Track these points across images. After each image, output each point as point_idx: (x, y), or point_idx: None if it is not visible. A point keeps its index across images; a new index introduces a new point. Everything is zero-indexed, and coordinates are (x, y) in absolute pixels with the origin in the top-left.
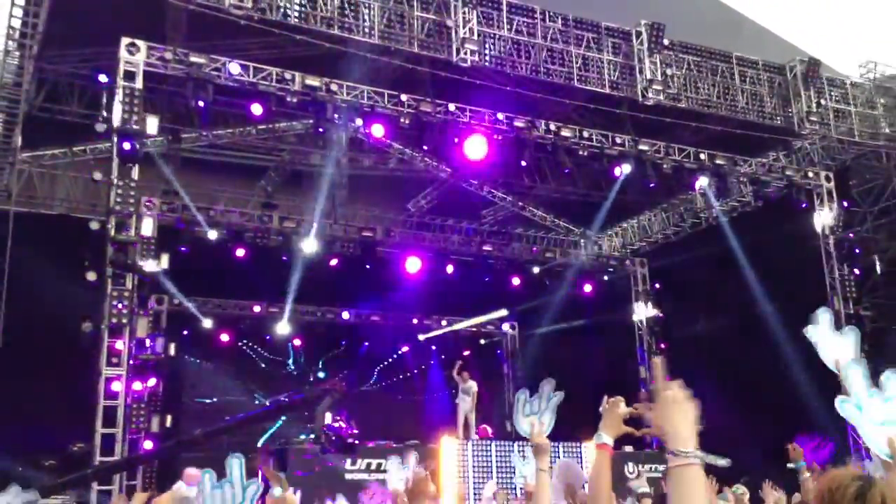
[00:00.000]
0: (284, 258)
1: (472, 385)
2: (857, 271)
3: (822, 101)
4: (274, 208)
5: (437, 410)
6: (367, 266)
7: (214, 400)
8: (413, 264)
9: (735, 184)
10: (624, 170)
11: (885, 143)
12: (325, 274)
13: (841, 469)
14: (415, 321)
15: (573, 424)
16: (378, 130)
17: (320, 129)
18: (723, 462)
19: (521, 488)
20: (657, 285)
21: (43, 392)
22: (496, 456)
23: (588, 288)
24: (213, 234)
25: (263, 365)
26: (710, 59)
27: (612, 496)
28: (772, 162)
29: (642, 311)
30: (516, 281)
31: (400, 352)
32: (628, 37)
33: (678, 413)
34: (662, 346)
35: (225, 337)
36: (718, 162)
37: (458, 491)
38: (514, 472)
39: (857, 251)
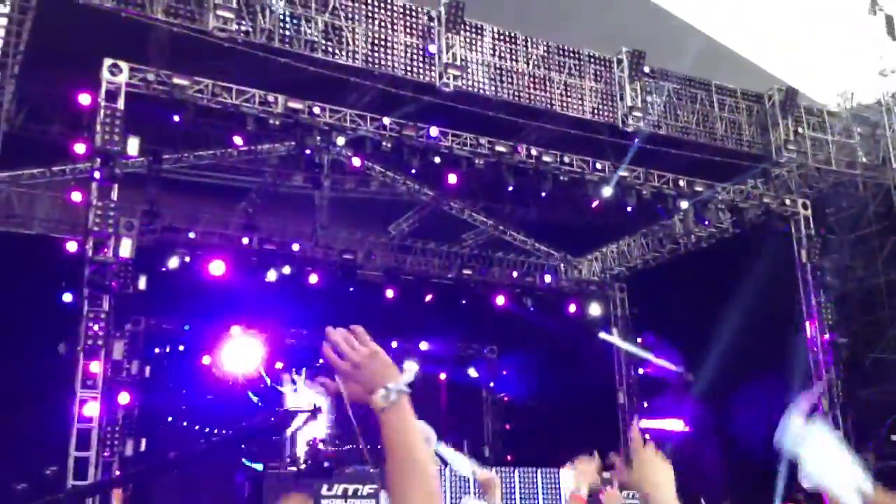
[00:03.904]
0: (265, 280)
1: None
2: (833, 298)
3: (800, 130)
4: (255, 230)
5: None
6: (350, 289)
7: (190, 423)
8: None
9: (713, 210)
10: (604, 194)
11: (861, 172)
12: (305, 296)
13: None
14: (394, 345)
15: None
16: (356, 161)
17: (307, 151)
18: None
19: None
20: (635, 310)
21: (17, 414)
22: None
23: (572, 308)
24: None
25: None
26: (690, 87)
27: None
28: (750, 189)
29: (620, 336)
30: (500, 300)
31: None
32: (609, 64)
33: (656, 474)
34: (640, 370)
35: (206, 360)
36: (697, 188)
37: None
38: None
39: (834, 278)
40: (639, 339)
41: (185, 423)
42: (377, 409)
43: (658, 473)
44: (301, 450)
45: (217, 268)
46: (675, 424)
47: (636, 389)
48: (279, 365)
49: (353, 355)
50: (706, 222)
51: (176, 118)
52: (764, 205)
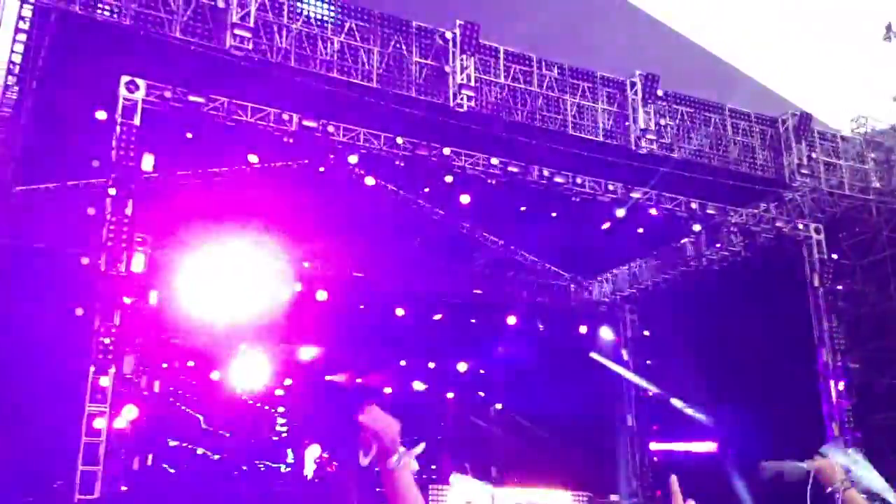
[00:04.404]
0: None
1: None
2: (845, 323)
3: (813, 154)
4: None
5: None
6: (361, 307)
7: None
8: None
9: (725, 233)
10: (616, 216)
11: (874, 197)
12: (315, 313)
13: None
14: (402, 363)
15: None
16: (370, 180)
17: (321, 169)
18: None
19: None
20: (646, 332)
21: (26, 428)
22: None
23: (583, 329)
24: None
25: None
26: (704, 111)
27: None
28: (762, 213)
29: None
30: (511, 320)
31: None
32: (623, 87)
33: None
34: (649, 393)
35: (215, 375)
36: (709, 211)
37: None
38: None
39: (846, 303)
40: (648, 362)
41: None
42: (389, 467)
43: None
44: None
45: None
46: (703, 446)
47: (645, 411)
48: (288, 381)
49: (373, 425)
50: (718, 245)
51: (191, 135)
52: (776, 228)
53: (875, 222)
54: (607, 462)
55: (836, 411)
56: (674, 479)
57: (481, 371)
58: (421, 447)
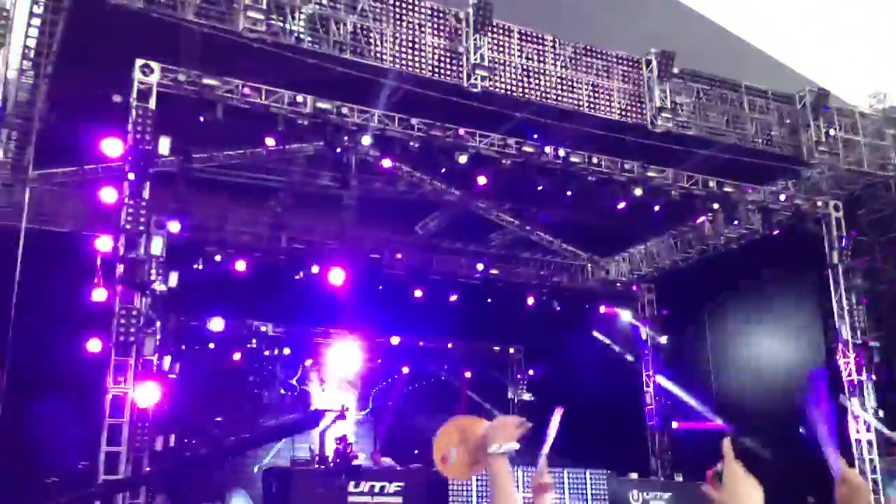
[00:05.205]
0: (297, 278)
1: None
2: (865, 301)
3: (831, 131)
4: (284, 229)
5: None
6: (380, 287)
7: (219, 419)
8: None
9: (743, 212)
10: (633, 195)
11: (894, 174)
12: (332, 295)
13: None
14: (420, 343)
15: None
16: (386, 162)
17: (338, 150)
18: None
19: None
20: (664, 312)
21: (49, 410)
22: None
23: (602, 309)
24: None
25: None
26: (719, 88)
27: None
28: (780, 190)
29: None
30: (531, 300)
31: (401, 373)
32: (638, 65)
33: (745, 496)
34: (665, 371)
35: (237, 356)
36: (727, 190)
37: None
38: None
39: (865, 281)
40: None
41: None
42: (489, 455)
43: (747, 496)
44: (330, 448)
45: (244, 265)
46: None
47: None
48: (309, 362)
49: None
50: (736, 224)
51: (206, 118)
52: (794, 206)
53: (894, 199)
54: (627, 440)
55: (856, 387)
56: (726, 442)
57: (496, 351)
58: (513, 447)
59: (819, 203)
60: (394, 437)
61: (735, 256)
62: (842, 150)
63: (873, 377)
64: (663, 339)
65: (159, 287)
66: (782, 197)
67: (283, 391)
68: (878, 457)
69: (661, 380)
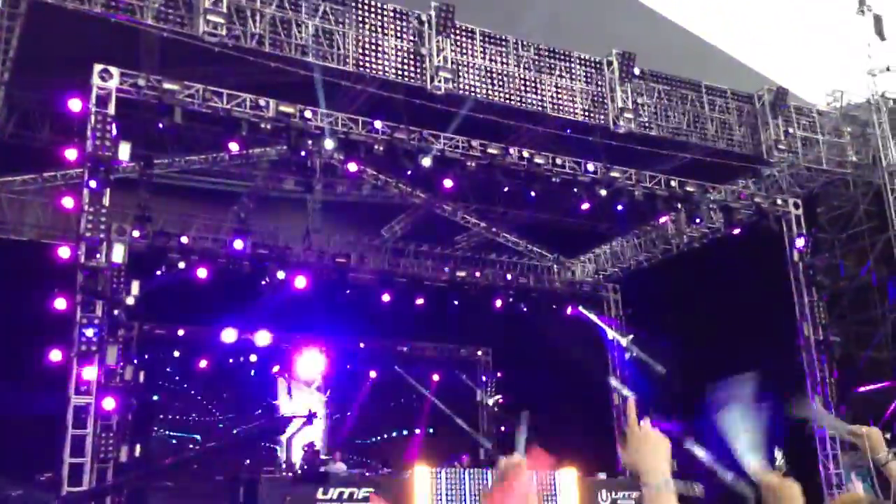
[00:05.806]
0: (263, 283)
1: None
2: (825, 297)
3: (790, 130)
4: (247, 234)
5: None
6: (347, 291)
7: (185, 428)
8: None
9: (705, 211)
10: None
11: (851, 171)
12: (298, 300)
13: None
14: (387, 347)
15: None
16: (352, 166)
17: (303, 154)
18: (697, 491)
19: None
20: (629, 311)
21: (10, 421)
22: (469, 484)
23: (568, 310)
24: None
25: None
26: (680, 88)
27: None
28: (741, 189)
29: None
30: (498, 303)
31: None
32: (600, 66)
33: (650, 450)
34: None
35: (203, 363)
36: (689, 189)
37: None
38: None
39: (826, 277)
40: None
41: (179, 429)
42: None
43: (653, 449)
44: (297, 455)
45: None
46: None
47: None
48: (276, 368)
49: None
50: (698, 222)
51: (166, 123)
52: (755, 205)
53: (852, 196)
54: (595, 440)
55: (819, 385)
56: (631, 401)
57: (463, 353)
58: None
59: (779, 201)
60: (355, 441)
61: (699, 255)
62: (801, 149)
63: (836, 373)
64: (628, 339)
65: (122, 295)
66: (743, 196)
67: (249, 398)
68: (840, 451)
69: (614, 381)
